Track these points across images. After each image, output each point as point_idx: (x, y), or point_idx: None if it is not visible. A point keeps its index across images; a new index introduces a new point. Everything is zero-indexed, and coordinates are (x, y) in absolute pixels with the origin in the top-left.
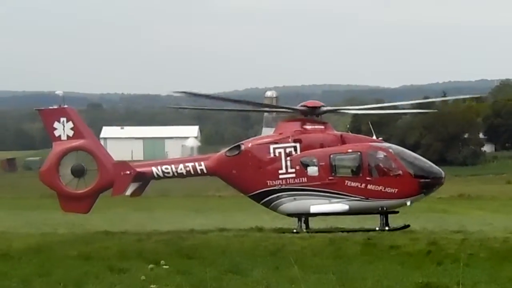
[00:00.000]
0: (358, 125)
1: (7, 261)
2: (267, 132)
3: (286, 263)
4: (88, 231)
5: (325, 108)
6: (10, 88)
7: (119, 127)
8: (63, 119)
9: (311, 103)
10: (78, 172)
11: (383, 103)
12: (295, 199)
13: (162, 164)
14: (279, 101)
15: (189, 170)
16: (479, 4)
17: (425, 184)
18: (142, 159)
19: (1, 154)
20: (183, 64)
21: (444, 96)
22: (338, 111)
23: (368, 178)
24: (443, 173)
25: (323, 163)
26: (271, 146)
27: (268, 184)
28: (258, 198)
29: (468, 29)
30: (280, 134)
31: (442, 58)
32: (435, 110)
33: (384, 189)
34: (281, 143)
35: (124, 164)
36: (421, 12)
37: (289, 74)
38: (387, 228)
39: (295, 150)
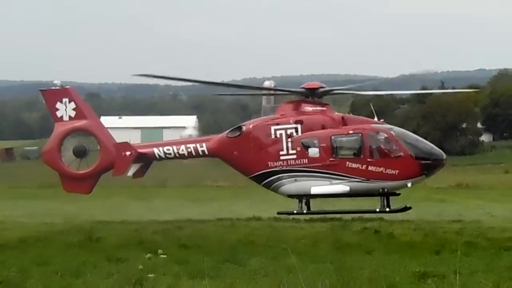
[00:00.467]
0: (358, 115)
1: (4, 250)
2: None
3: (283, 252)
4: (86, 220)
5: (324, 89)
6: (8, 77)
7: (117, 117)
8: (65, 100)
9: (311, 84)
10: (80, 153)
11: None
12: (296, 180)
13: (163, 145)
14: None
15: (191, 151)
16: None
17: (426, 166)
18: None
19: None
20: (181, 54)
21: (443, 85)
22: (336, 91)
23: (369, 160)
24: (444, 155)
25: (324, 144)
26: (272, 128)
27: (269, 165)
28: (259, 179)
29: (467, 19)
30: (282, 115)
31: (440, 48)
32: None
33: (385, 170)
34: (282, 124)
35: (125, 145)
36: (419, 2)
37: (287, 63)
38: (387, 209)
39: (296, 131)
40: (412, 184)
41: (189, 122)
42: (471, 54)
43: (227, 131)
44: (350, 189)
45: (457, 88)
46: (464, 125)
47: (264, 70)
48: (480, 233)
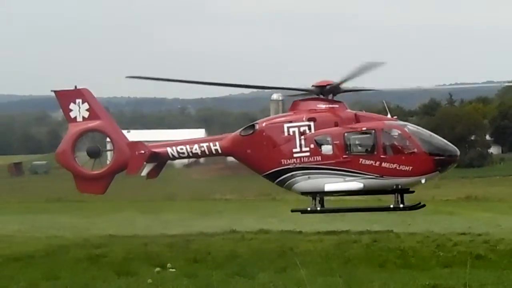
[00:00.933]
0: None
1: (13, 264)
2: None
3: (292, 265)
4: (94, 235)
5: (335, 86)
6: (17, 92)
7: (125, 131)
8: (78, 101)
9: (323, 82)
10: (94, 153)
11: (390, 105)
12: (309, 177)
13: (177, 144)
14: (285, 104)
15: (204, 150)
16: (485, 6)
17: (440, 162)
18: None
19: (8, 158)
20: (189, 68)
21: (451, 98)
22: (349, 89)
23: (382, 156)
24: (458, 151)
25: (337, 142)
26: (285, 125)
27: (283, 163)
28: (272, 177)
29: (474, 31)
30: (294, 113)
31: (449, 60)
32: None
33: (399, 166)
34: (295, 122)
35: (138, 144)
36: (426, 14)
37: (295, 77)
38: (401, 205)
39: (309, 128)
40: (426, 181)
41: (198, 135)
42: (479, 67)
43: (240, 129)
44: (364, 185)
45: (466, 100)
46: (472, 137)
47: (273, 83)
48: (489, 246)
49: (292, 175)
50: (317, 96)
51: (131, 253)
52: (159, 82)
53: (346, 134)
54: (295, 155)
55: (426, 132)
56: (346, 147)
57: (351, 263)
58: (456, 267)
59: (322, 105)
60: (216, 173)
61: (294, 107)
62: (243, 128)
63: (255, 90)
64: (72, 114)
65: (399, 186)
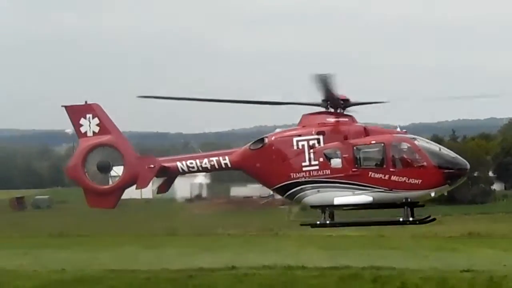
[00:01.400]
0: None
1: None
2: None
3: None
4: (97, 269)
5: (344, 99)
6: (19, 126)
7: None
8: (89, 116)
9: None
10: (104, 168)
11: None
12: (318, 191)
13: (187, 158)
14: None
15: (214, 165)
16: (488, 44)
17: (450, 175)
18: (151, 197)
19: (11, 192)
20: (190, 102)
21: (454, 134)
22: (358, 103)
23: (391, 170)
24: (467, 164)
25: (347, 155)
26: (295, 139)
27: (292, 176)
28: (282, 191)
29: (476, 68)
30: (303, 126)
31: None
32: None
33: (408, 180)
34: (304, 135)
35: (148, 158)
36: (426, 52)
37: (297, 111)
38: (411, 219)
39: (318, 142)
40: (435, 194)
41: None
42: (482, 103)
43: (250, 143)
44: (373, 199)
45: (468, 136)
46: (475, 174)
47: (276, 117)
48: (492, 283)
49: (301, 188)
50: (326, 110)
51: None
52: (162, 116)
53: (355, 148)
54: (304, 168)
55: (436, 146)
56: (355, 161)
57: None
58: None
59: (331, 119)
60: (218, 208)
61: (303, 121)
62: (252, 142)
63: (257, 124)
64: (82, 129)
65: (409, 200)
